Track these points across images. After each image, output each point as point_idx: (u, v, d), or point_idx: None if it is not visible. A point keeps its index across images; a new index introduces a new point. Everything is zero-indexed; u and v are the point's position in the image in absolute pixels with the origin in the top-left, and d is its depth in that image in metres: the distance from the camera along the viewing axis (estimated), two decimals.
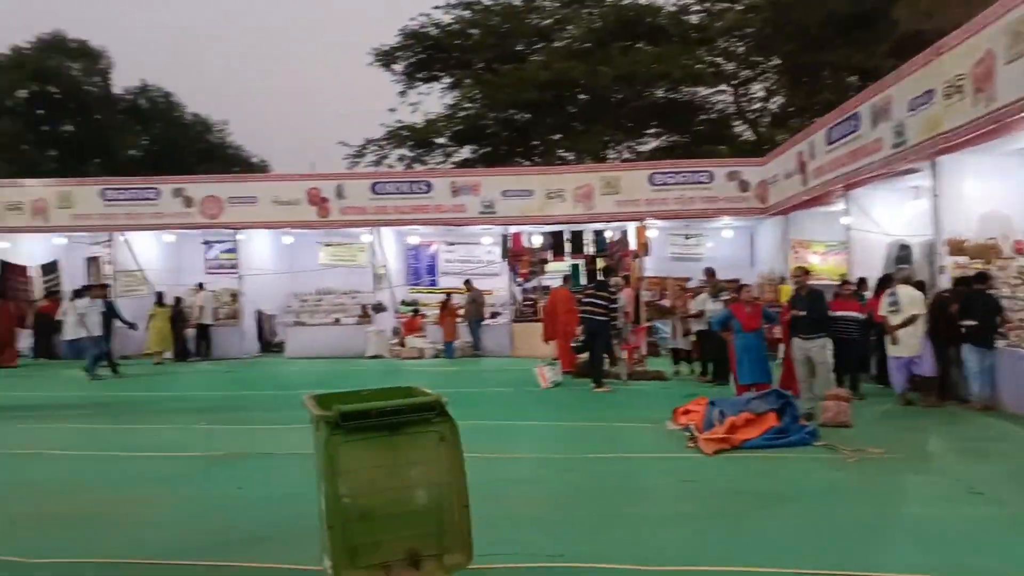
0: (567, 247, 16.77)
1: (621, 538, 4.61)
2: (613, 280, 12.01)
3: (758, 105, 31.23)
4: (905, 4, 24.03)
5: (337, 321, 17.15)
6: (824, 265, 14.89)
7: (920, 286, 9.78)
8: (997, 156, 10.06)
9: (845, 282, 10.38)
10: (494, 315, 16.78)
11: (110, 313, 13.83)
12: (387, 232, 17.75)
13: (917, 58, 10.93)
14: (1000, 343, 8.61)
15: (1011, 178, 10.26)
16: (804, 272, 9.09)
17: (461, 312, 16.35)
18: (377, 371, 13.94)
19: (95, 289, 14.10)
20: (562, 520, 5.02)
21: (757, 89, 31.05)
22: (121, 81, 37.97)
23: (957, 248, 10.13)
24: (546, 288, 16.09)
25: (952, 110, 9.73)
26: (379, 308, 16.59)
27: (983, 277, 8.83)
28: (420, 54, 31.77)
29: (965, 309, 8.67)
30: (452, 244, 19.06)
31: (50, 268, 18.25)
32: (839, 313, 9.70)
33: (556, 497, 5.66)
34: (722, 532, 4.71)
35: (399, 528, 3.74)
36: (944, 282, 9.68)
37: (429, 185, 17.40)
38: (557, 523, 4.96)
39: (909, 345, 9.04)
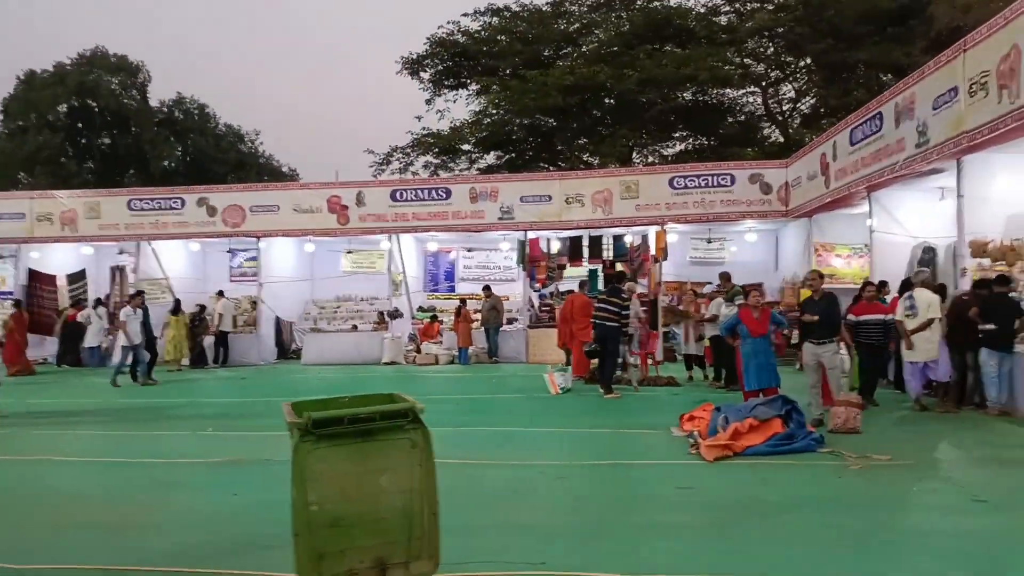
0: (585, 252, 16.67)
1: (609, 546, 4.53)
2: (626, 285, 11.87)
3: (788, 106, 30.75)
4: (940, 1, 23.44)
5: (354, 328, 17.31)
6: (848, 268, 14.60)
7: (940, 289, 9.50)
8: None
9: (868, 283, 10.09)
10: (510, 321, 16.74)
11: (147, 322, 14.11)
12: (406, 239, 17.90)
13: (941, 55, 10.68)
14: (1020, 347, 8.31)
15: None
16: (818, 276, 8.88)
17: (477, 318, 16.36)
18: (389, 377, 14.00)
19: (136, 298, 14.27)
20: (552, 527, 4.95)
21: (787, 90, 30.61)
22: (158, 94, 39.04)
23: (980, 250, 9.84)
24: (564, 294, 16.01)
25: (976, 108, 9.47)
26: (395, 314, 16.69)
27: (1004, 280, 8.54)
28: (447, 62, 31.95)
29: (985, 313, 8.39)
30: (471, 250, 19.12)
31: (77, 277, 18.77)
32: (863, 317, 9.47)
33: (549, 504, 5.58)
34: (713, 541, 4.60)
35: (367, 536, 3.73)
36: (965, 285, 9.38)
37: (448, 192, 17.47)
38: (546, 530, 4.88)
39: (925, 350, 8.78)
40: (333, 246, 18.75)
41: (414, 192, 17.69)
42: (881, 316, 9.52)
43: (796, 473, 6.25)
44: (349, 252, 18.89)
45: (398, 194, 17.64)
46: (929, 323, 8.81)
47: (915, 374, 9.01)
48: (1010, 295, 8.47)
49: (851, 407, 7.77)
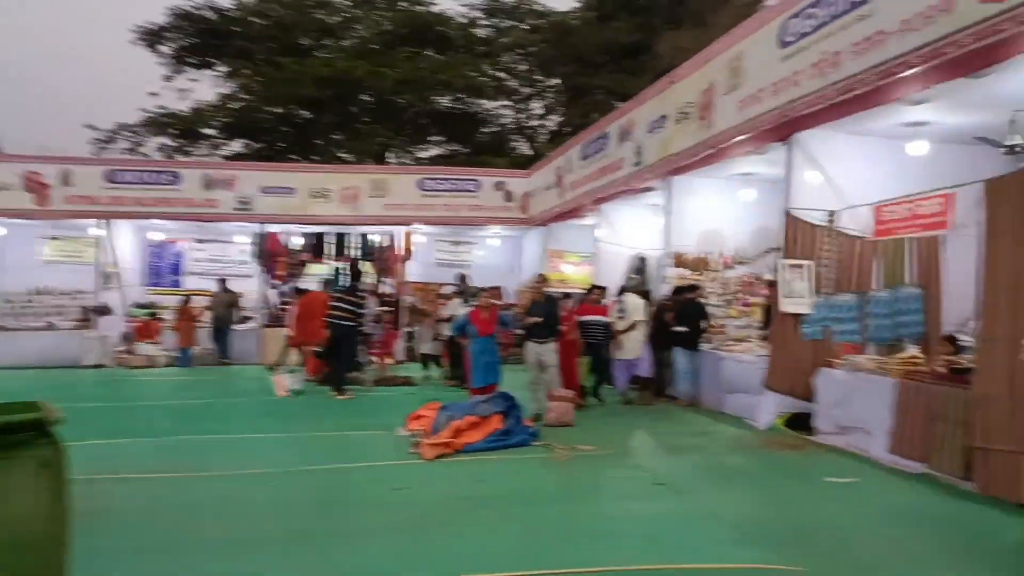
0: (330, 249, 16.08)
1: (304, 555, 4.23)
2: (364, 283, 11.59)
3: (537, 122, 32.63)
4: (666, 39, 26.39)
5: (51, 326, 14.90)
6: (577, 275, 15.66)
7: (647, 295, 10.50)
8: (718, 179, 11.13)
9: (595, 287, 10.70)
10: (244, 319, 15.59)
11: None
12: (123, 226, 15.90)
13: (655, 85, 11.84)
14: (705, 346, 9.45)
15: (728, 199, 11.39)
16: (542, 279, 9.33)
17: (202, 316, 14.98)
18: (89, 382, 12.28)
19: None
20: (246, 540, 4.52)
21: (537, 106, 32.46)
22: None
23: (680, 261, 11.04)
24: (303, 292, 15.24)
25: (680, 134, 10.59)
26: (103, 311, 14.67)
27: (693, 287, 9.67)
28: (192, 37, 29.22)
29: (679, 316, 9.41)
30: (202, 242, 17.50)
31: None
32: (587, 318, 10.05)
33: (250, 515, 5.10)
34: (415, 541, 4.49)
35: None
36: (666, 291, 10.47)
37: (176, 176, 15.82)
38: (238, 544, 4.45)
39: (632, 348, 9.64)
40: (32, 231, 16.06)
41: (136, 174, 15.76)
42: (602, 318, 10.23)
43: (509, 467, 6.43)
44: (53, 239, 16.32)
45: (116, 175, 15.60)
46: (635, 325, 9.69)
47: (623, 371, 9.85)
48: (698, 300, 9.60)
49: (565, 402, 8.25)
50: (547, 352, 8.62)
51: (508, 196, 16.96)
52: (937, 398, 6.16)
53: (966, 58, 5.63)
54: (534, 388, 8.61)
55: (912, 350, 7.15)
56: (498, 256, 18.41)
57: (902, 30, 6.04)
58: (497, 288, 15.12)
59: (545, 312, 8.73)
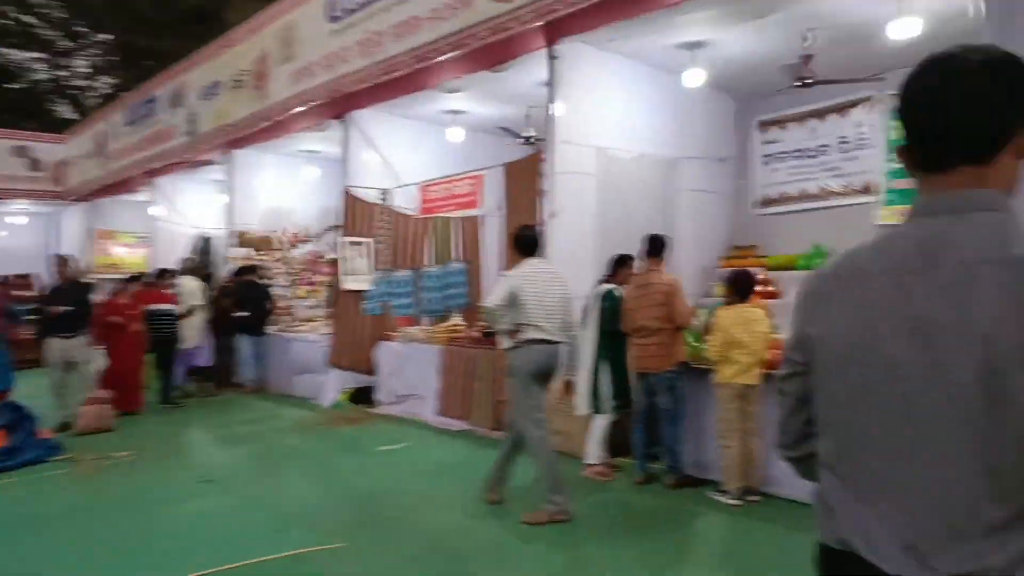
0: None
1: None
2: None
3: (84, 83, 27.89)
4: (234, 10, 24.86)
5: None
6: (132, 257, 13.83)
7: (207, 277, 9.67)
8: (282, 155, 10.78)
9: (164, 271, 9.22)
10: None
11: None
12: None
13: (208, 47, 10.96)
14: (271, 329, 9.07)
15: (294, 176, 11.11)
16: (64, 262, 7.83)
17: None
18: None
19: None
20: None
21: (82, 64, 27.72)
22: None
23: (244, 240, 10.42)
24: None
25: (235, 103, 9.97)
26: None
27: (253, 268, 9.17)
28: None
29: (241, 300, 8.83)
30: None
31: None
32: (154, 307, 8.62)
33: None
34: None
35: None
36: (228, 273, 9.78)
37: None
38: None
39: (189, 336, 8.72)
40: None
41: None
42: (171, 307, 8.96)
43: (15, 491, 5.25)
44: None
45: None
46: (193, 310, 8.80)
47: (180, 361, 8.88)
48: (259, 282, 9.13)
49: (101, 404, 7.09)
50: (76, 348, 7.29)
51: (34, 164, 14.11)
52: (473, 360, 6.82)
53: (485, 51, 6.23)
54: (59, 392, 7.22)
55: (456, 319, 7.84)
56: (28, 236, 15.30)
57: (433, 18, 6.44)
58: (26, 276, 12.63)
59: (72, 299, 7.37)
